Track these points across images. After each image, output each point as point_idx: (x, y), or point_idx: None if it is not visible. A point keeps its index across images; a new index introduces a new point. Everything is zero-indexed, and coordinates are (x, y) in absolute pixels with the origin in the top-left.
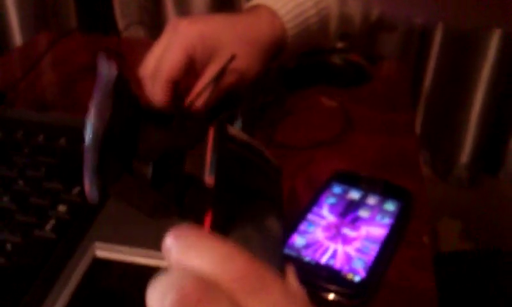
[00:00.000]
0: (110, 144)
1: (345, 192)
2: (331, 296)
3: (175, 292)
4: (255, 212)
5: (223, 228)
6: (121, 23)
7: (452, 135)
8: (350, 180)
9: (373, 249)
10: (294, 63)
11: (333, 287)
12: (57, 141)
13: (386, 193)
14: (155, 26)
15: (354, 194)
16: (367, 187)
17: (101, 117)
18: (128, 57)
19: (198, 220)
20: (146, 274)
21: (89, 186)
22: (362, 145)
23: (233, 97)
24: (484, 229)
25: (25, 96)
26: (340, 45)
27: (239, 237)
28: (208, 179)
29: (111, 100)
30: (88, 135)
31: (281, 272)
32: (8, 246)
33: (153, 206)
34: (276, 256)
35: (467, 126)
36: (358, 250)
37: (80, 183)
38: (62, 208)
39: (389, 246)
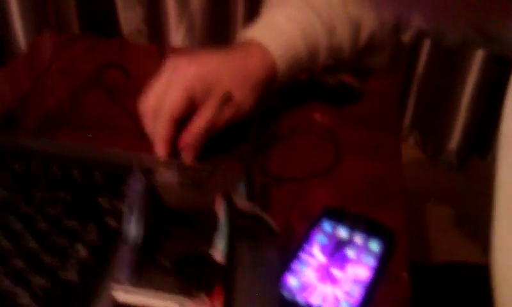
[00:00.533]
0: (141, 245)
1: (334, 229)
2: None
3: None
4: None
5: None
6: (122, 17)
7: (444, 119)
8: (338, 216)
9: (358, 292)
10: (291, 83)
11: None
12: (71, 173)
13: (370, 232)
14: (156, 33)
15: (342, 233)
16: (354, 224)
17: (134, 227)
18: (131, 66)
19: (208, 293)
20: None
21: (123, 276)
22: (349, 173)
23: (229, 132)
24: (471, 211)
25: (32, 113)
26: (330, 61)
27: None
28: (218, 255)
29: (141, 212)
30: (124, 239)
31: None
32: (38, 290)
33: (172, 288)
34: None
35: (458, 110)
36: (345, 292)
37: (95, 219)
38: (82, 249)
39: (372, 287)
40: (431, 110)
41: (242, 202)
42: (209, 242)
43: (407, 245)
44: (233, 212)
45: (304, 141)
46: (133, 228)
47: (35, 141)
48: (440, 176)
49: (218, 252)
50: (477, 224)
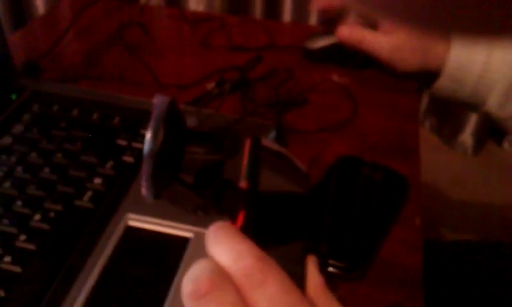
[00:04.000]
0: (162, 158)
1: (348, 176)
2: (331, 269)
3: (191, 282)
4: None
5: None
6: None
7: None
8: (353, 165)
9: (370, 230)
10: (317, 46)
11: (332, 262)
12: (90, 116)
13: (385, 178)
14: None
15: (357, 179)
16: (368, 171)
17: (156, 139)
18: (151, 26)
19: (232, 218)
20: (172, 242)
21: (145, 189)
22: (367, 128)
23: None
24: (486, 197)
25: (53, 66)
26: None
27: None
28: (243, 184)
29: (163, 126)
30: (146, 150)
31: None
32: (52, 214)
33: (194, 206)
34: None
35: None
36: (358, 230)
37: (113, 157)
38: (98, 180)
39: (385, 228)
40: None
41: (269, 143)
42: (231, 162)
43: (421, 195)
44: (258, 147)
45: (321, 99)
46: (150, 140)
47: (56, 86)
48: (455, 160)
49: (242, 179)
50: (488, 208)
